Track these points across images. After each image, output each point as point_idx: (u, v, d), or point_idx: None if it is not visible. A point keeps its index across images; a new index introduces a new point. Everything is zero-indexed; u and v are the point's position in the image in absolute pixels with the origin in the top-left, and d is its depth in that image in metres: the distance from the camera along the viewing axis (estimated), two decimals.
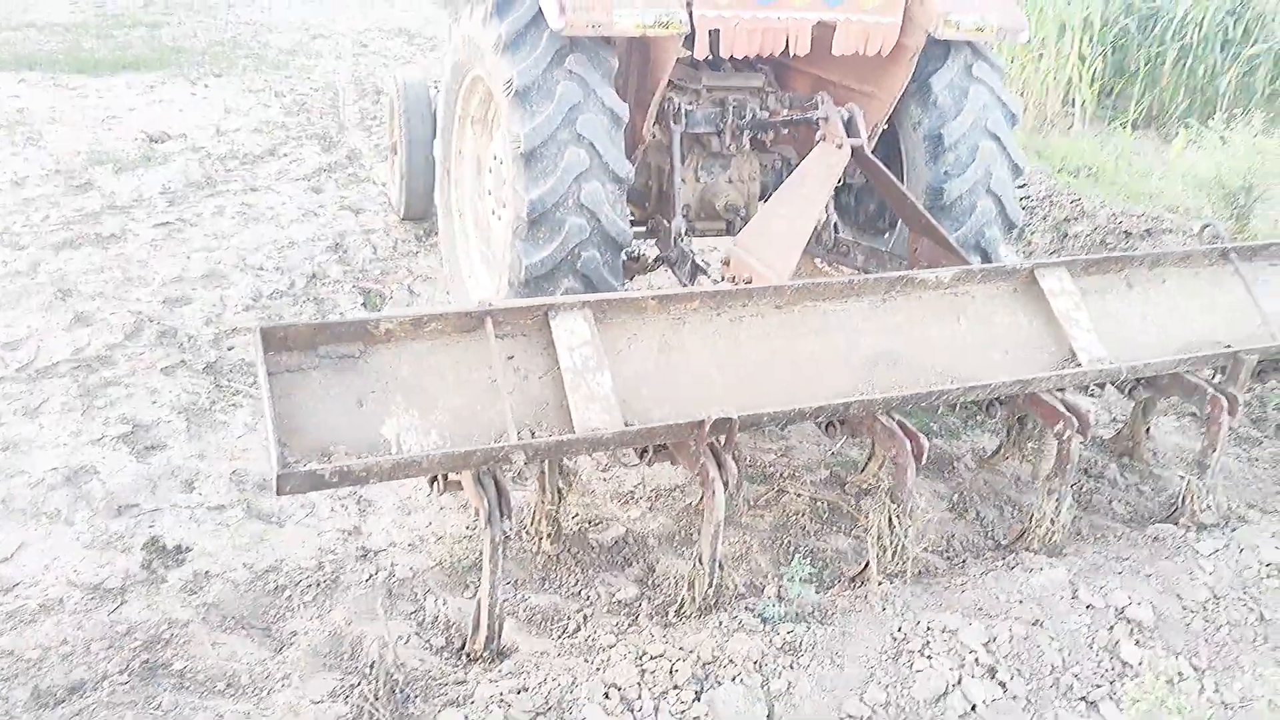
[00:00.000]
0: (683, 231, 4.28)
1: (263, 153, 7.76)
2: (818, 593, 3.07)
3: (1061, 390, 3.36)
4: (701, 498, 2.89)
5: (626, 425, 2.81)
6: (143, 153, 7.53)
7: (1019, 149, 4.35)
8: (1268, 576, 3.24)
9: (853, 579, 3.29)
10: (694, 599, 2.97)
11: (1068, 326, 3.40)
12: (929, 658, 2.81)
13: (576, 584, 3.27)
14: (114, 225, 6.08)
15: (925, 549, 3.50)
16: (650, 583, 3.32)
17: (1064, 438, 3.25)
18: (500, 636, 2.87)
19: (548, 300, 2.95)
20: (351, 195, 6.92)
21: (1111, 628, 2.96)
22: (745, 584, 3.27)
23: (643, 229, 4.64)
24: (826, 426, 3.22)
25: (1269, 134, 6.87)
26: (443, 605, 3.12)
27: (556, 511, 3.35)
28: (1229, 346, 3.55)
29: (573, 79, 3.71)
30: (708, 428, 2.78)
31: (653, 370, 3.00)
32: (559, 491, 3.33)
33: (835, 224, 4.47)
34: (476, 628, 2.85)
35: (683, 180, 4.37)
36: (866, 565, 3.19)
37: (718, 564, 2.94)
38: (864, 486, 3.88)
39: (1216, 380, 3.56)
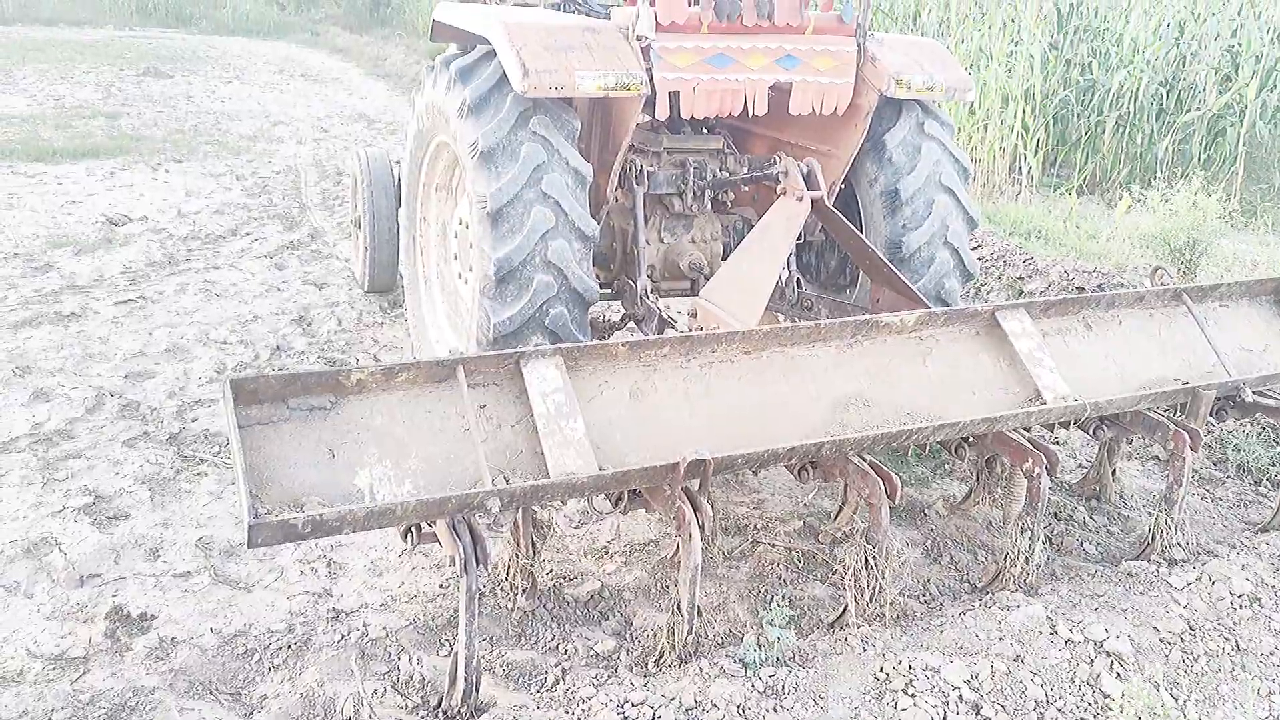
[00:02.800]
0: (649, 290, 4.35)
1: (225, 233, 7.76)
2: (797, 637, 3.05)
3: (1028, 430, 3.42)
4: (677, 546, 2.88)
5: (601, 470, 2.81)
6: (103, 235, 7.50)
7: (972, 202, 4.49)
8: (1240, 607, 3.27)
9: (831, 624, 3.27)
10: (674, 646, 2.94)
11: (1032, 366, 3.46)
12: (912, 696, 2.79)
13: (553, 638, 3.21)
14: (74, 304, 6.03)
15: (902, 593, 3.50)
16: (628, 635, 3.28)
17: (1034, 475, 3.28)
18: (478, 690, 2.81)
19: (519, 350, 2.98)
20: (315, 271, 6.93)
21: (1092, 661, 2.96)
22: (724, 633, 3.24)
23: (609, 291, 4.67)
24: (800, 471, 3.20)
25: (1207, 193, 7.12)
26: (417, 664, 3.05)
27: (531, 565, 3.31)
28: (1187, 383, 3.63)
29: (537, 140, 3.81)
30: (683, 470, 2.76)
31: (625, 416, 3.03)
32: (533, 544, 3.29)
33: (798, 280, 4.55)
34: (453, 682, 2.78)
35: (647, 241, 4.45)
36: (845, 609, 3.19)
37: (696, 610, 2.91)
38: (837, 535, 3.88)
39: (1177, 417, 3.62)
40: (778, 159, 4.20)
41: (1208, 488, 4.42)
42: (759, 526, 3.94)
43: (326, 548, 3.63)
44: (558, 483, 2.73)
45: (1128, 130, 9.86)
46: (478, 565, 2.63)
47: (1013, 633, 3.07)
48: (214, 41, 22.74)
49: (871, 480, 3.05)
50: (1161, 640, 3.09)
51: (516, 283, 3.79)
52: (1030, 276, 6.56)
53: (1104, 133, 9.91)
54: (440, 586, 3.43)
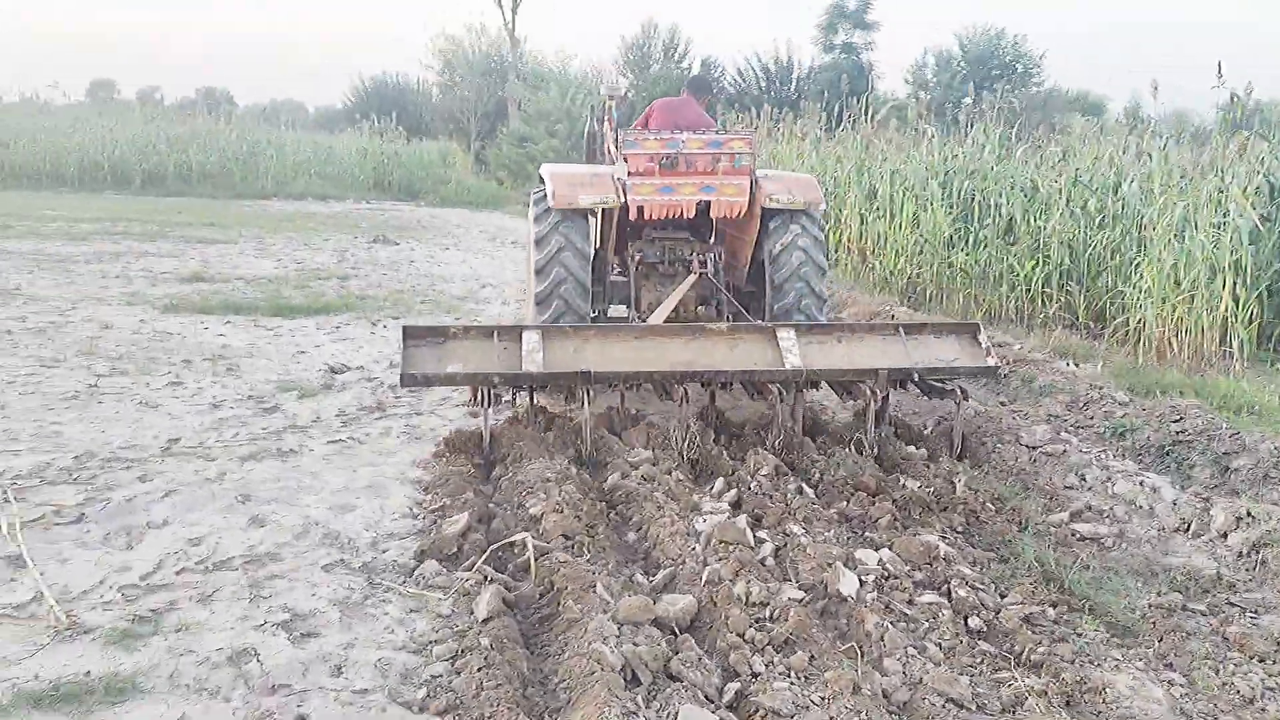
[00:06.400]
0: (637, 316, 7.88)
1: None
2: None
3: (775, 382, 6.55)
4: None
5: (545, 370, 6.24)
6: (324, 381, 8.24)
7: (821, 256, 7.74)
8: None
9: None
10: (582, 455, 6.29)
11: (786, 355, 6.44)
12: None
13: None
14: (293, 442, 6.63)
15: None
16: None
17: (778, 399, 6.47)
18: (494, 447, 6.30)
19: (521, 325, 6.64)
20: (506, 416, 7.33)
21: None
22: None
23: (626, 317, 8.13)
24: (661, 395, 6.87)
25: None
26: None
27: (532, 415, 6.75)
28: (873, 366, 6.45)
29: (560, 234, 7.33)
30: (579, 375, 6.17)
31: (567, 358, 6.36)
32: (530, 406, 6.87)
33: (727, 303, 8.07)
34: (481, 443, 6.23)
35: (645, 289, 8.14)
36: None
37: (591, 438, 6.32)
38: None
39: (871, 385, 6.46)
40: (694, 250, 8.11)
41: None
42: None
43: None
44: (525, 374, 6.24)
45: None
46: (487, 407, 6.31)
47: None
48: (437, 212, 24.90)
49: (681, 394, 6.37)
50: None
51: (546, 304, 7.28)
52: (1237, 453, 6.17)
53: None
54: None
